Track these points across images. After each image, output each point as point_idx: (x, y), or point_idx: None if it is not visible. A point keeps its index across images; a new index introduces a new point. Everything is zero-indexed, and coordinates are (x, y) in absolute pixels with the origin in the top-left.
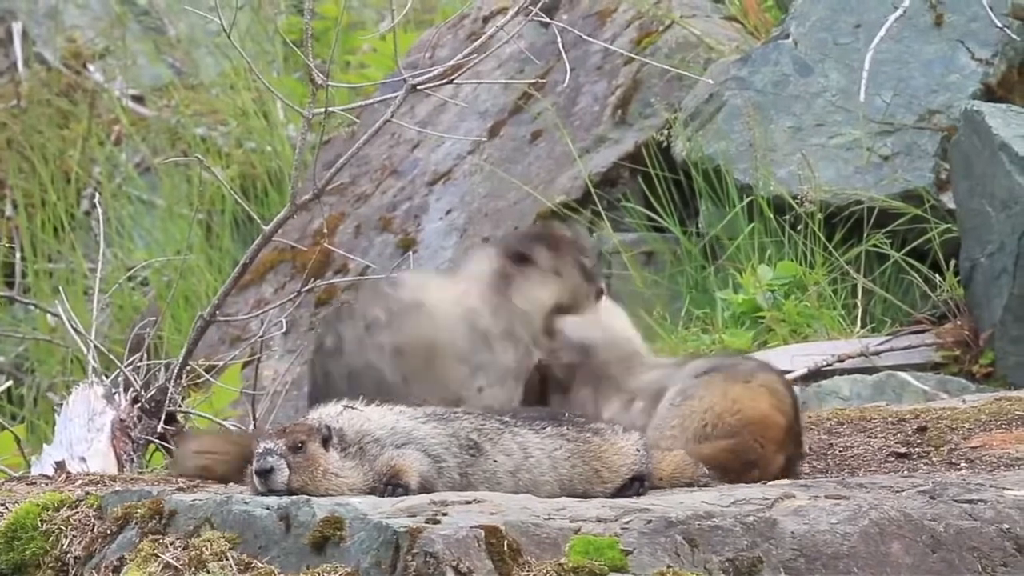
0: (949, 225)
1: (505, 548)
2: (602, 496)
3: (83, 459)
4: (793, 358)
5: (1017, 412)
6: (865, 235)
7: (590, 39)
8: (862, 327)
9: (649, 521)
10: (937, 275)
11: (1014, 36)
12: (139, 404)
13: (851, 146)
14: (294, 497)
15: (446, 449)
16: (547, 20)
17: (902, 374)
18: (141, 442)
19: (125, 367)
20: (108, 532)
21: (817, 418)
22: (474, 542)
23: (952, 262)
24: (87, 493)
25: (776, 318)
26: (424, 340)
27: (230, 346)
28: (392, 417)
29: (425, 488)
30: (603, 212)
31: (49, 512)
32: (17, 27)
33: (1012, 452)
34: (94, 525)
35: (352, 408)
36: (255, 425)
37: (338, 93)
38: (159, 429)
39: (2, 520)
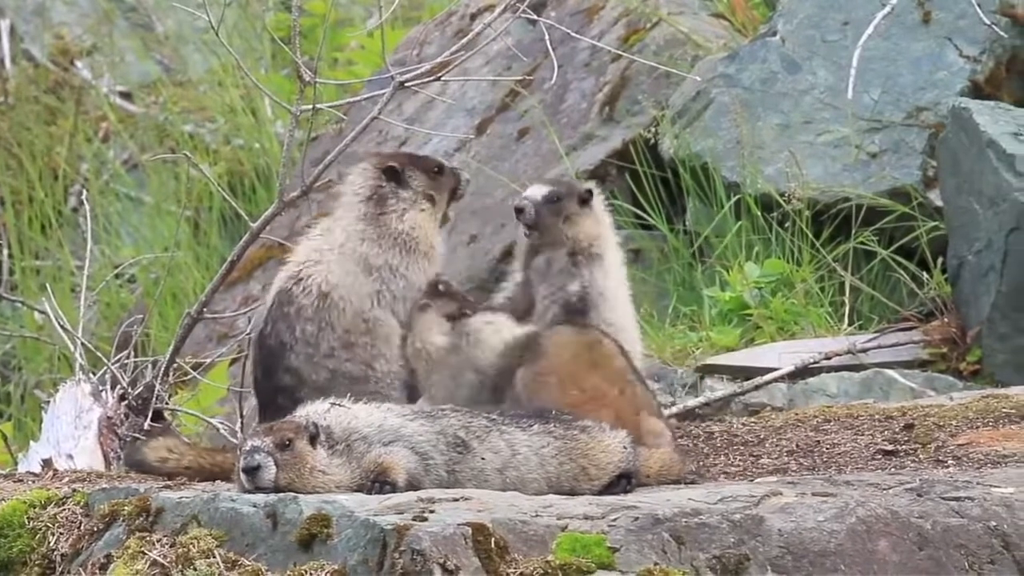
0: (937, 222)
1: (492, 545)
2: (589, 493)
3: (70, 456)
4: (780, 355)
5: (1004, 409)
6: (853, 232)
7: (578, 36)
8: (849, 324)
9: (636, 518)
10: (924, 272)
11: (1002, 33)
12: (126, 401)
13: (839, 143)
14: (281, 494)
15: (433, 447)
16: (535, 17)
17: (889, 371)
18: (128, 439)
19: (112, 364)
20: (95, 529)
21: (804, 415)
22: (461, 539)
23: (940, 259)
24: (74, 490)
25: (763, 315)
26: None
27: (217, 343)
28: (379, 415)
29: (412, 485)
30: None
31: (36, 509)
32: (4, 23)
33: (999, 449)
34: (81, 522)
35: (339, 406)
36: (242, 423)
37: (326, 90)
38: (146, 426)
39: None
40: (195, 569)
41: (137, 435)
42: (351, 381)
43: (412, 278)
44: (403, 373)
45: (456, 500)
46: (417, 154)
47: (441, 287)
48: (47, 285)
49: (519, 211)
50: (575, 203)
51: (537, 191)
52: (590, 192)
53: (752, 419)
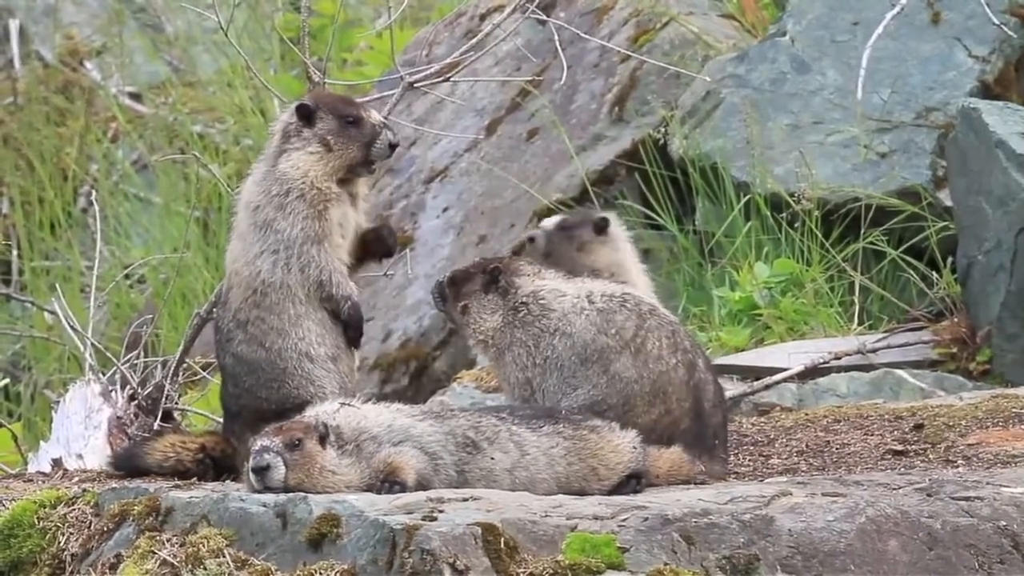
0: (946, 222)
1: (502, 545)
2: (599, 493)
3: (80, 456)
4: (790, 355)
5: (1014, 409)
6: (862, 232)
7: (587, 37)
8: (859, 324)
9: (646, 518)
10: (934, 272)
11: (1011, 33)
12: (136, 401)
13: (848, 143)
14: (291, 494)
15: (443, 447)
16: (544, 18)
17: (899, 371)
18: (138, 439)
19: (122, 364)
20: (105, 529)
21: (814, 415)
22: (471, 539)
23: (949, 259)
24: (84, 490)
25: (773, 315)
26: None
27: None
28: (389, 415)
29: (422, 485)
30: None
31: (46, 509)
32: (14, 24)
33: (1009, 449)
34: (91, 522)
35: (349, 406)
36: None
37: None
38: (156, 426)
39: None
40: (205, 569)
41: (147, 435)
42: (248, 368)
43: (286, 226)
44: (314, 349)
45: (466, 500)
46: (350, 99)
47: (456, 276)
48: (57, 285)
49: (530, 240)
50: (590, 231)
51: (551, 221)
52: (605, 220)
53: (762, 419)
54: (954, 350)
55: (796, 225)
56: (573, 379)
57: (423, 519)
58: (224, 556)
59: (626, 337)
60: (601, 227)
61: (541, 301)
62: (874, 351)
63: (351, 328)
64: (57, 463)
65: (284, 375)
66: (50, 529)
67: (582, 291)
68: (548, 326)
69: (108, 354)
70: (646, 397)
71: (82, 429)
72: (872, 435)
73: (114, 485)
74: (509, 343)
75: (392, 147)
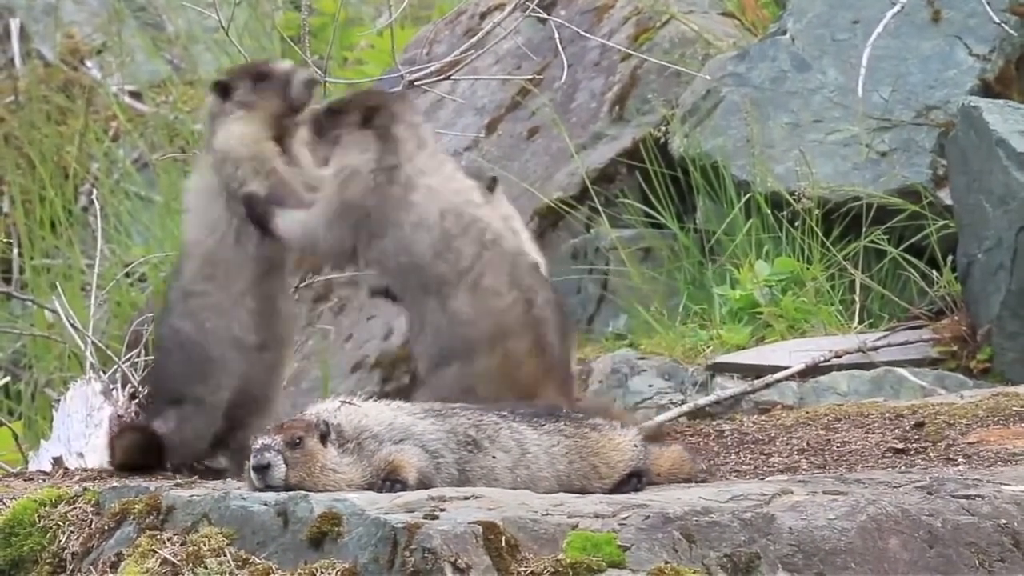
0: (946, 221)
1: (503, 544)
2: (600, 492)
3: (81, 455)
4: (791, 354)
5: (1014, 408)
6: (863, 231)
7: (587, 35)
8: (860, 323)
9: (647, 517)
10: (934, 271)
11: (1012, 32)
12: (137, 400)
13: (849, 142)
14: (292, 493)
15: (444, 445)
16: (544, 16)
17: (900, 370)
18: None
19: (123, 363)
20: (106, 528)
21: (815, 414)
22: (472, 538)
23: (949, 258)
24: (85, 489)
25: (774, 314)
26: None
27: None
28: (390, 413)
29: (423, 484)
30: (600, 208)
31: (47, 508)
32: (15, 23)
33: (1009, 448)
34: (92, 521)
35: (350, 404)
36: None
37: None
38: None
39: (0, 516)
40: (206, 567)
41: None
42: (179, 344)
43: (236, 188)
44: (247, 337)
45: (467, 498)
46: (261, 60)
47: (333, 106)
48: (57, 284)
49: None
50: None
51: None
52: (495, 180)
53: (763, 417)
54: (955, 348)
55: (796, 224)
56: (418, 306)
57: (424, 518)
58: (225, 555)
59: (461, 267)
60: (490, 187)
61: (413, 179)
62: (875, 349)
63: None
64: (58, 462)
65: (202, 364)
66: (51, 528)
67: (446, 195)
68: (409, 208)
69: (109, 352)
70: (486, 343)
71: (83, 428)
72: (873, 433)
73: (115, 484)
74: (361, 192)
75: (309, 85)
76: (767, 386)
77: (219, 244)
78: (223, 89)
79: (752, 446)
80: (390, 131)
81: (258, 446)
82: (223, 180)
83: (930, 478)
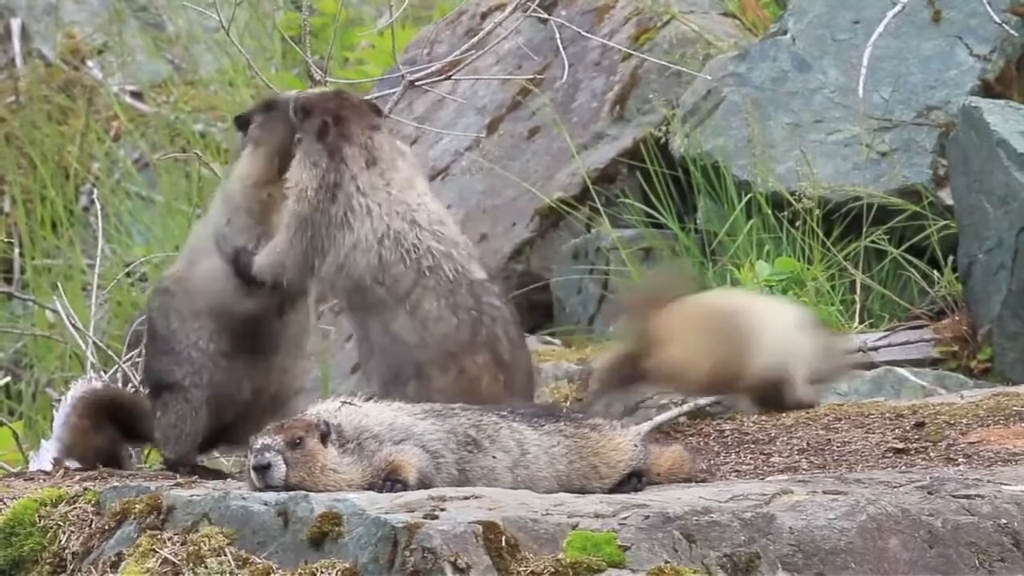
0: (947, 221)
1: (503, 544)
2: (600, 492)
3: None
4: None
5: (1015, 407)
6: (863, 231)
7: (588, 35)
8: (860, 323)
9: (647, 517)
10: (935, 271)
11: (1012, 32)
12: None
13: (849, 142)
14: (292, 493)
15: (444, 445)
16: (545, 16)
17: (900, 370)
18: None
19: (124, 363)
20: (106, 528)
21: (815, 413)
22: (472, 538)
23: (950, 258)
24: (85, 489)
25: None
26: None
27: None
28: (390, 413)
29: (423, 484)
30: (601, 208)
31: (47, 508)
32: (16, 23)
33: (1010, 447)
34: (92, 521)
35: (350, 404)
36: None
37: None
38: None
39: (0, 516)
40: (206, 567)
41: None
42: (152, 334)
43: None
44: (206, 344)
45: (467, 498)
46: (273, 95)
47: (305, 104)
48: (58, 284)
49: None
50: None
51: None
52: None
53: (763, 417)
54: (955, 348)
55: (797, 224)
56: (363, 326)
57: (424, 517)
58: (225, 555)
59: (399, 293)
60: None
61: (353, 199)
62: (875, 349)
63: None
64: (58, 461)
65: (172, 356)
66: (51, 527)
67: (387, 219)
68: (347, 226)
69: (110, 352)
70: (438, 362)
71: None
72: (873, 433)
73: (115, 484)
74: (309, 208)
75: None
76: None
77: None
78: (242, 124)
79: (752, 446)
80: (340, 149)
81: (258, 446)
82: (219, 218)
83: (930, 478)
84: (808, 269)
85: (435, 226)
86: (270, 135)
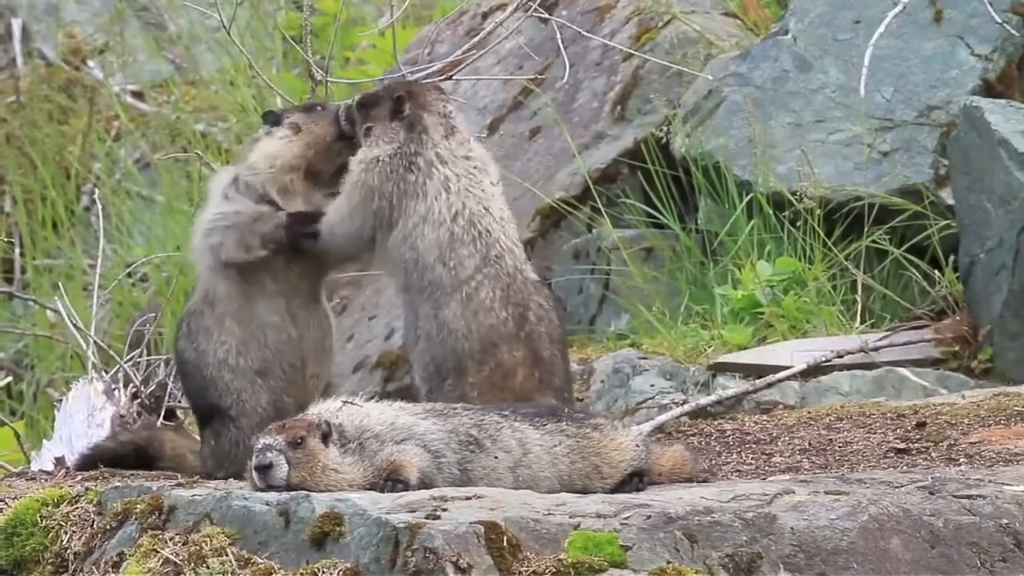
0: (948, 221)
1: (504, 544)
2: (601, 492)
3: (82, 455)
4: (792, 354)
5: (1016, 408)
6: (864, 231)
7: (589, 35)
8: (861, 323)
9: (648, 517)
10: (936, 271)
11: (1013, 32)
12: (139, 400)
13: (850, 142)
14: (294, 493)
15: (446, 445)
16: (546, 16)
17: (901, 370)
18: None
19: (125, 363)
20: (108, 528)
21: (816, 414)
22: (474, 538)
23: (951, 258)
24: (87, 489)
25: (775, 314)
26: None
27: None
28: (392, 413)
29: (425, 484)
30: (602, 208)
31: (49, 508)
32: (17, 23)
33: (1011, 447)
34: (94, 521)
35: (352, 404)
36: None
37: (337, 89)
38: (159, 425)
39: (2, 516)
40: (208, 567)
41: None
42: (182, 363)
43: (241, 207)
44: (234, 360)
45: (469, 498)
46: (325, 102)
47: (364, 99)
48: (60, 284)
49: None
50: None
51: None
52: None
53: (764, 417)
54: (956, 348)
55: (798, 224)
56: (414, 309)
57: (426, 517)
58: (227, 555)
59: (460, 277)
60: None
61: (433, 167)
62: (876, 349)
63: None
64: (60, 461)
65: (205, 382)
66: (53, 527)
67: (463, 195)
68: (421, 196)
69: (111, 352)
70: (476, 356)
71: (85, 428)
72: (874, 433)
73: (117, 484)
74: (380, 178)
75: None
76: (769, 386)
77: (209, 269)
78: (273, 119)
79: (754, 446)
80: (419, 119)
81: (260, 446)
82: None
83: (932, 478)
84: (809, 269)
85: (504, 219)
86: (314, 126)
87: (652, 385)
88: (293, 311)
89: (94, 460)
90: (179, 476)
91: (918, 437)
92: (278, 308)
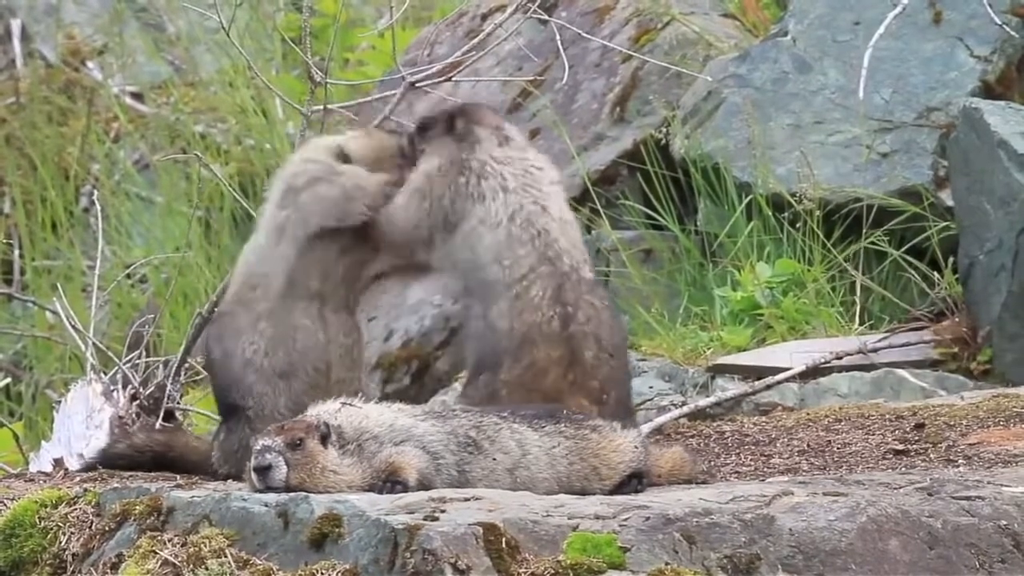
0: (948, 222)
1: (503, 545)
2: (600, 493)
3: (81, 456)
4: (792, 355)
5: (1015, 409)
6: (864, 232)
7: (589, 36)
8: (860, 324)
9: (647, 518)
10: (935, 272)
11: (1013, 33)
12: (138, 401)
13: (850, 144)
14: (292, 494)
15: (444, 446)
16: (545, 17)
17: (900, 371)
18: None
19: (124, 364)
20: (106, 529)
21: (815, 415)
22: (472, 539)
23: (950, 259)
24: (85, 490)
25: (775, 315)
26: None
27: None
28: (391, 414)
29: (423, 485)
30: (601, 210)
31: (47, 509)
32: (16, 24)
33: (1009, 449)
34: (92, 522)
35: (351, 405)
36: None
37: (337, 90)
38: (157, 426)
39: (0, 517)
40: (207, 568)
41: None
42: (211, 362)
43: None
44: (260, 361)
45: (467, 500)
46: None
47: (424, 122)
48: (58, 285)
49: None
50: None
51: None
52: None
53: (763, 419)
54: (955, 350)
55: (798, 225)
56: (468, 309)
57: (425, 519)
58: (226, 556)
59: (513, 276)
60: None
61: (487, 166)
62: (875, 351)
63: None
64: (58, 463)
65: (229, 381)
66: (51, 529)
67: (519, 195)
68: (478, 197)
69: (110, 354)
70: (513, 353)
71: (83, 429)
72: (873, 435)
73: (115, 485)
74: (439, 186)
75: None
76: (768, 387)
77: (254, 266)
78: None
79: (753, 447)
80: (471, 132)
81: (259, 447)
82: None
83: (930, 479)
84: (808, 270)
85: (564, 220)
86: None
87: (651, 387)
88: (325, 315)
89: (107, 461)
90: (178, 477)
91: (917, 438)
92: (312, 311)
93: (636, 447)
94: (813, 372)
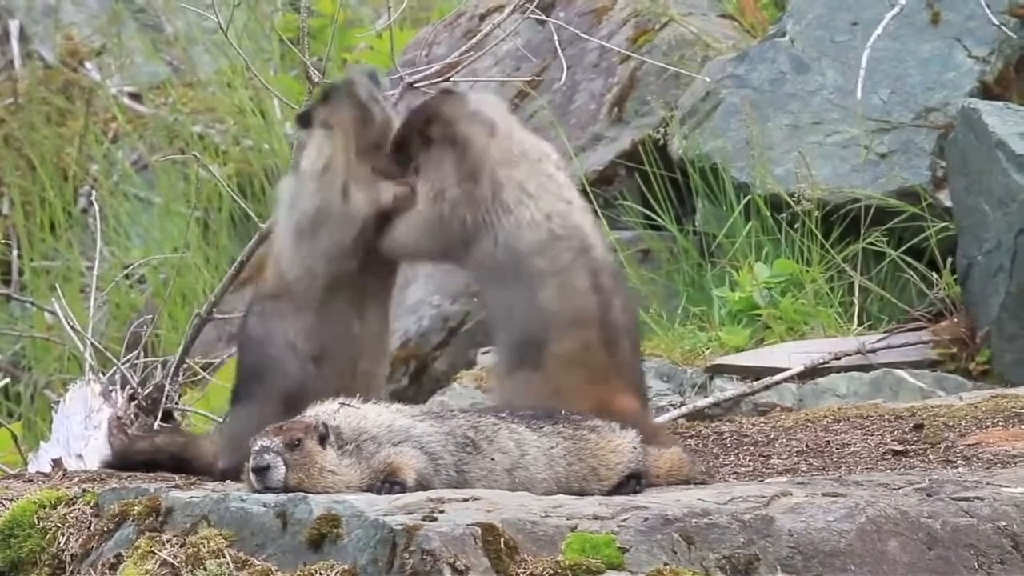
0: (946, 223)
1: (502, 545)
2: (599, 494)
3: (80, 456)
4: (790, 356)
5: (1014, 409)
6: (862, 233)
7: (587, 37)
8: (859, 325)
9: (646, 519)
10: (934, 273)
11: (1011, 34)
12: (136, 401)
13: (848, 144)
14: (291, 494)
15: (443, 447)
16: (543, 18)
17: (899, 372)
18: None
19: (122, 364)
20: (105, 529)
21: (814, 416)
22: (471, 539)
23: (949, 260)
24: (84, 490)
25: (773, 316)
26: None
27: (227, 344)
28: (389, 415)
29: (422, 486)
30: (599, 210)
31: (46, 509)
32: (14, 24)
33: (1008, 449)
34: (91, 522)
35: (349, 406)
36: None
37: None
38: (156, 426)
39: None
40: (205, 569)
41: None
42: (246, 340)
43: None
44: (302, 344)
45: (466, 500)
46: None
47: None
48: (57, 286)
49: None
50: None
51: None
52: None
53: (762, 419)
54: (954, 350)
55: (796, 226)
56: (506, 298)
57: (423, 519)
58: (224, 556)
59: (558, 266)
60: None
61: (496, 172)
62: (874, 351)
63: None
64: (57, 463)
65: (265, 359)
66: (50, 529)
67: (543, 197)
68: (506, 210)
69: (108, 354)
70: (564, 329)
71: (82, 429)
72: (872, 435)
73: (114, 485)
74: (451, 206)
75: (372, 79)
76: (766, 388)
77: (292, 257)
78: (304, 120)
79: (751, 448)
80: (453, 136)
81: (257, 448)
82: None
83: (929, 480)
84: (807, 271)
85: (584, 209)
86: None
87: (649, 387)
88: (365, 304)
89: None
90: (176, 478)
91: (915, 439)
92: (353, 298)
93: (634, 448)
94: (811, 372)
